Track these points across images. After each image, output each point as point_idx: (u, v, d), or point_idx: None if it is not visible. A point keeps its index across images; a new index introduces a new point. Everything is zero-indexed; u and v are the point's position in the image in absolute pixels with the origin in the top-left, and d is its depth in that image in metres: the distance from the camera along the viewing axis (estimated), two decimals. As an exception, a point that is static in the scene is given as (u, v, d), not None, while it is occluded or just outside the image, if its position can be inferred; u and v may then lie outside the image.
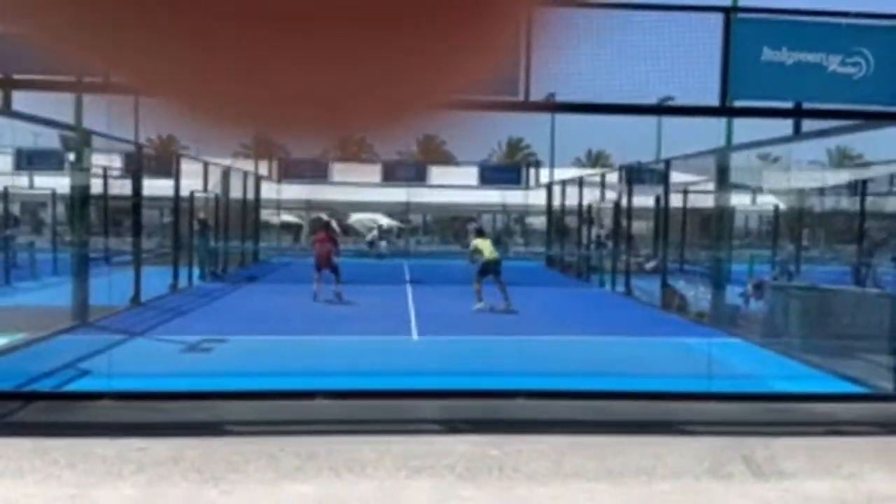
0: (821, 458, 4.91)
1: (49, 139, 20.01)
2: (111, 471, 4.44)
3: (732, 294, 11.32)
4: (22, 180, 18.80)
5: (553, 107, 7.53)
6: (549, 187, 22.75)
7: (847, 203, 15.07)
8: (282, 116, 0.37)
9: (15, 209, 22.33)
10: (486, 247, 11.60)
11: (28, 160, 18.95)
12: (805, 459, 4.87)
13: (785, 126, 7.85)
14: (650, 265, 16.00)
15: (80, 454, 4.66)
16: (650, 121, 23.95)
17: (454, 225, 34.24)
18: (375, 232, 26.85)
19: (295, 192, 25.41)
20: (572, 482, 4.42)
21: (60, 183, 17.05)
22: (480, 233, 12.98)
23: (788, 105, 6.64)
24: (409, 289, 14.79)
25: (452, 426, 5.38)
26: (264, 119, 0.37)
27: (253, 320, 10.31)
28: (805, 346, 8.05)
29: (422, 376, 6.75)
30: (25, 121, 8.29)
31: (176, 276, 13.73)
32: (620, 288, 15.05)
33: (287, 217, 30.66)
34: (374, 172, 26.91)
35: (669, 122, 18.74)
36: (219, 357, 7.95)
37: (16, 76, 6.01)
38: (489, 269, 11.40)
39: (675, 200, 13.96)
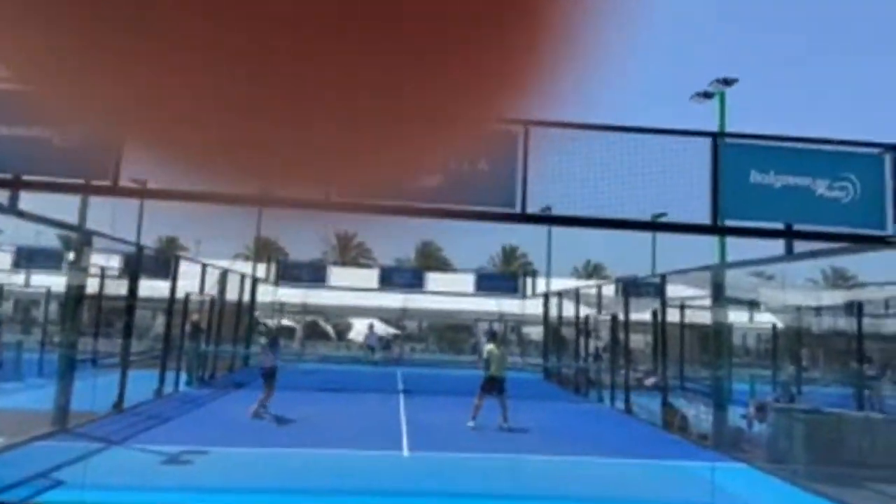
0: None
1: (50, 237, 20.28)
2: None
3: (734, 415, 11.01)
4: (19, 278, 18.83)
5: (549, 220, 7.67)
6: (545, 297, 22.79)
7: (845, 324, 15.04)
8: (278, 166, 0.38)
9: (8, 306, 22.21)
10: (496, 359, 10.98)
11: (28, 258, 19.08)
12: None
13: (777, 245, 7.98)
14: (649, 381, 15.70)
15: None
16: (645, 236, 24.43)
17: (449, 334, 34.00)
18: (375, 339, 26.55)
19: (290, 295, 25.40)
20: None
21: (57, 281, 17.07)
22: (494, 338, 12.11)
23: (779, 226, 6.78)
24: (401, 399, 14.41)
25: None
26: (259, 169, 0.38)
27: (236, 430, 9.94)
28: (811, 472, 7.71)
29: (412, 498, 6.40)
30: (30, 221, 8.40)
31: (162, 380, 13.39)
32: (619, 404, 14.67)
33: (282, 320, 30.42)
34: (371, 277, 27.10)
35: (664, 237, 19.09)
36: (199, 470, 7.58)
37: (25, 177, 6.14)
38: (492, 386, 10.94)
39: (673, 315, 13.92)
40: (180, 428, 9.24)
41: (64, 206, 9.95)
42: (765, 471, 8.47)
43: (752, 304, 19.06)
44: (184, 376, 14.84)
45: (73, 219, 10.38)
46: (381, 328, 32.43)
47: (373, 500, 6.18)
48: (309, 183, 0.39)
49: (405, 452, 9.10)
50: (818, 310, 16.71)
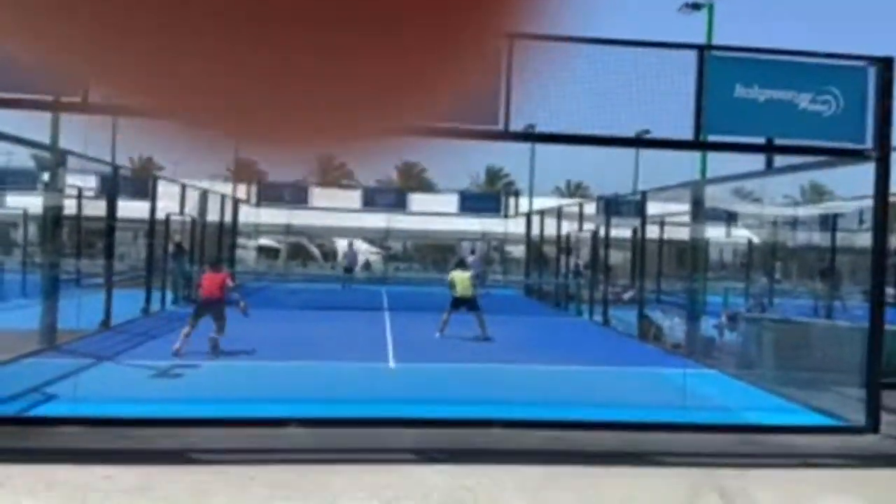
0: (793, 490, 4.93)
1: (22, 158, 19.75)
2: (75, 498, 4.29)
3: (707, 325, 11.43)
4: (-6, 200, 18.48)
5: (532, 137, 7.63)
6: (528, 216, 22.94)
7: (818, 238, 15.41)
8: (262, 131, 0.36)
9: (-15, 228, 21.90)
10: (459, 282, 11.61)
11: (0, 179, 18.66)
12: (777, 491, 4.89)
13: (758, 161, 8.05)
14: (627, 295, 16.12)
15: (44, 482, 4.51)
16: (628, 154, 24.37)
17: (433, 254, 34.27)
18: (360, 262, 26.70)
19: (274, 215, 25.27)
20: (547, 514, 4.37)
21: (33, 202, 16.78)
22: (461, 264, 12.87)
23: (760, 140, 6.82)
24: (387, 316, 14.70)
25: (427, 456, 5.31)
26: (244, 133, 0.37)
27: (224, 345, 10.14)
28: (778, 377, 8.12)
29: (397, 404, 6.67)
30: (1, 140, 8.18)
31: (148, 299, 13.49)
32: (598, 317, 15.12)
33: (265, 241, 30.42)
34: (354, 198, 26.95)
35: (646, 155, 19.07)
36: (189, 382, 7.79)
37: (-8, 94, 5.93)
38: (460, 304, 11.53)
39: (652, 232, 14.15)
40: (169, 344, 9.41)
41: (35, 128, 9.67)
42: (734, 376, 8.91)
43: (730, 219, 19.39)
44: (169, 295, 14.95)
45: (44, 140, 10.10)
46: (365, 248, 32.58)
47: (362, 408, 6.44)
48: (298, 134, 0.38)
49: (391, 364, 9.40)
50: (794, 224, 17.06)
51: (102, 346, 9.63)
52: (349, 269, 23.92)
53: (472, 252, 23.61)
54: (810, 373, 7.75)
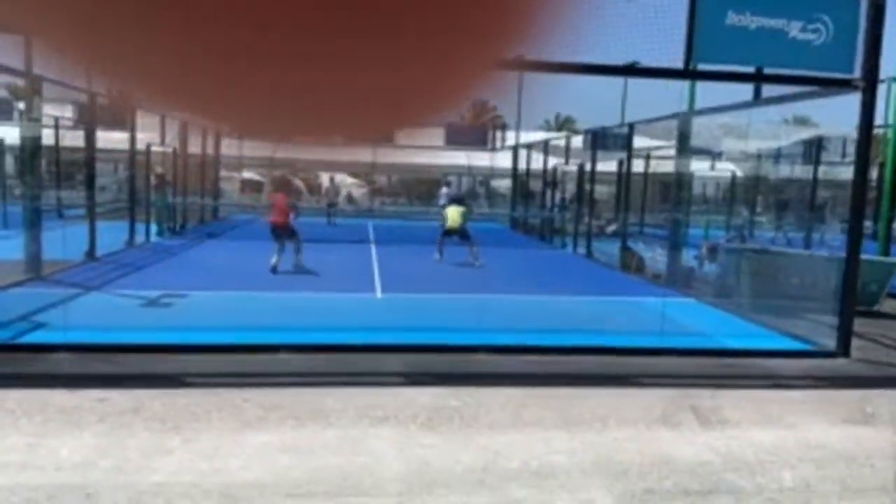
0: (764, 409, 5.18)
1: (-5, 87, 19.08)
2: (70, 420, 4.41)
3: (688, 257, 11.65)
4: (-33, 130, 17.95)
5: (521, 65, 7.47)
6: (514, 150, 22.80)
7: (800, 171, 15.53)
8: (262, 130, 0.37)
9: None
10: (451, 216, 12.51)
11: (-27, 109, 18.09)
12: (749, 410, 5.13)
13: (745, 92, 8.01)
14: (611, 228, 16.28)
15: (38, 404, 4.61)
16: (617, 87, 24.03)
17: (420, 187, 34.12)
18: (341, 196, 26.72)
19: (258, 148, 24.86)
20: (530, 430, 4.58)
21: (9, 133, 16.35)
22: (455, 201, 13.57)
23: (750, 70, 6.77)
24: (373, 249, 14.78)
25: (415, 379, 5.48)
26: (249, 131, 0.37)
27: (214, 276, 10.19)
28: (755, 305, 8.37)
29: (385, 332, 6.82)
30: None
31: (132, 231, 13.41)
32: (582, 250, 15.31)
33: (249, 174, 30.05)
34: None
35: (635, 90, 18.85)
36: (180, 311, 7.87)
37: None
38: (452, 234, 12.48)
39: (638, 166, 14.16)
40: (156, 274, 9.45)
41: (7, 54, 9.29)
42: (712, 304, 9.17)
43: (715, 154, 19.43)
44: (154, 227, 14.86)
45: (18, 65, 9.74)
46: (349, 182, 32.29)
47: (351, 335, 6.58)
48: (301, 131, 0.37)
49: (378, 294, 9.54)
50: (777, 157, 17.15)
51: (89, 276, 9.64)
52: (332, 205, 23.78)
53: (447, 184, 24.39)
54: (786, 301, 8.00)
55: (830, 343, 6.72)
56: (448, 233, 12.53)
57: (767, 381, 5.92)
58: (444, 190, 23.85)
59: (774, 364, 6.37)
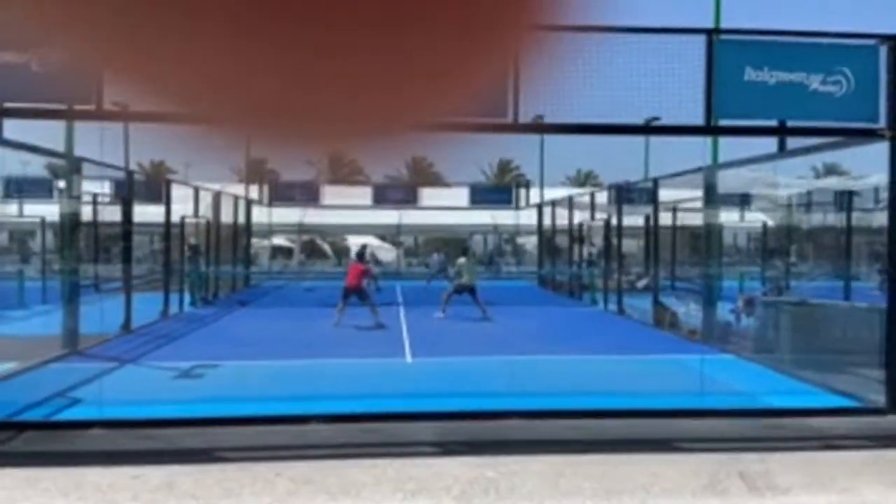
0: (815, 473, 4.93)
1: (37, 166, 19.99)
2: (105, 499, 4.39)
3: (723, 310, 11.39)
4: (11, 208, 18.72)
5: (542, 128, 7.64)
6: (539, 207, 22.91)
7: (834, 219, 15.27)
8: (274, 129, 0.37)
9: (3, 237, 22.20)
10: (466, 270, 12.89)
11: (17, 188, 18.90)
12: (800, 474, 4.89)
13: (770, 145, 7.99)
14: (641, 283, 16.07)
15: (73, 483, 4.61)
16: (638, 141, 24.18)
17: (446, 247, 34.39)
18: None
19: (286, 215, 25.41)
20: (569, 501, 4.41)
21: (50, 210, 17.00)
22: (465, 252, 14.10)
23: (773, 123, 6.77)
24: (401, 311, 14.77)
25: (447, 448, 5.36)
26: (257, 131, 0.37)
27: (245, 345, 10.26)
28: (797, 360, 8.09)
29: (416, 398, 6.73)
30: (17, 149, 8.30)
31: (167, 302, 13.66)
32: (612, 306, 15.09)
33: (278, 240, 30.62)
34: (364, 195, 27.00)
35: (656, 142, 18.95)
36: (211, 383, 7.90)
37: (6, 104, 6.03)
38: (463, 290, 12.75)
39: (665, 218, 14.09)
40: (189, 345, 9.55)
41: (47, 136, 9.78)
42: (752, 360, 8.88)
43: (744, 203, 19.23)
44: (187, 297, 15.12)
45: (58, 147, 10.23)
46: (376, 244, 32.57)
47: (381, 403, 6.51)
48: (311, 132, 0.37)
49: (408, 359, 9.47)
50: (808, 206, 16.90)
51: (124, 349, 9.78)
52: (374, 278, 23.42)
53: (437, 251, 25.27)
54: (829, 355, 7.72)
55: (879, 398, 6.43)
56: (461, 288, 12.58)
57: (816, 441, 5.65)
58: (436, 257, 23.98)
59: (822, 423, 6.10)
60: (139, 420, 5.92)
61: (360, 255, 13.68)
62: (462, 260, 13.36)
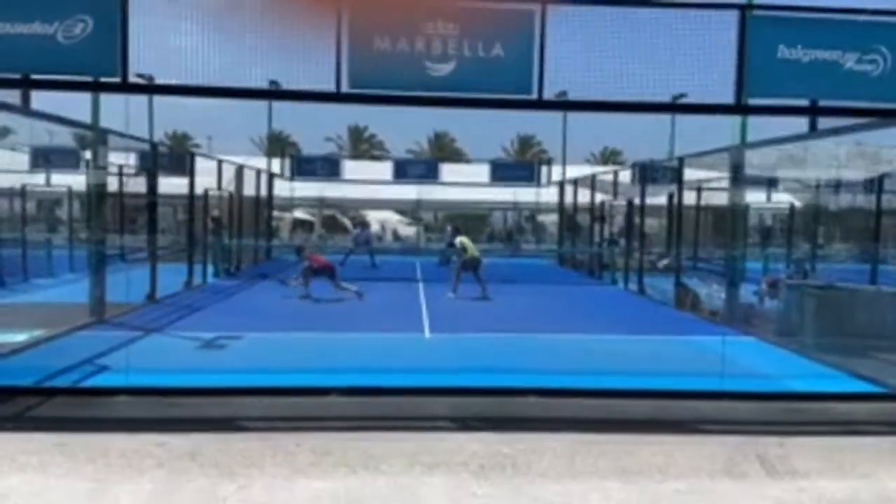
0: (835, 458, 4.89)
1: (63, 137, 20.21)
2: (131, 465, 4.51)
3: (747, 292, 11.26)
4: (38, 178, 19.00)
5: (567, 105, 7.52)
6: (561, 185, 22.70)
7: (863, 200, 14.94)
8: None
9: (31, 206, 22.54)
10: (469, 246, 13.02)
11: (45, 158, 19.16)
12: (819, 459, 4.86)
13: (800, 125, 7.80)
14: (662, 263, 15.92)
15: (100, 449, 4.74)
16: (663, 119, 23.76)
17: (466, 223, 34.35)
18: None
19: (307, 189, 25.51)
20: (585, 480, 4.44)
21: (76, 180, 17.23)
22: (457, 231, 14.78)
23: (804, 103, 6.60)
24: (421, 287, 14.83)
25: (465, 423, 5.41)
26: None
27: (267, 317, 10.40)
28: (820, 344, 8.00)
29: (434, 374, 6.78)
30: (44, 120, 8.41)
31: (191, 273, 13.86)
32: (633, 286, 15.00)
33: (299, 214, 30.80)
34: (385, 170, 26.96)
35: (683, 120, 18.62)
36: (235, 353, 8.03)
37: (33, 76, 6.08)
38: (470, 266, 12.86)
39: (689, 198, 13.89)
40: (213, 316, 9.70)
41: (74, 106, 9.88)
42: (774, 343, 8.80)
43: (771, 184, 18.88)
44: (210, 269, 15.32)
45: (84, 118, 10.34)
46: (396, 219, 32.59)
47: (400, 377, 6.57)
48: None
49: (427, 334, 9.53)
50: (837, 187, 16.54)
51: (150, 318, 9.96)
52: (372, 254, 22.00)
53: (457, 229, 24.35)
54: (854, 339, 7.62)
55: (904, 385, 6.35)
56: (468, 263, 12.69)
57: (837, 426, 5.60)
58: (449, 229, 22.20)
59: (844, 408, 6.04)
60: (164, 388, 6.05)
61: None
62: (460, 238, 13.63)
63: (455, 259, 13.52)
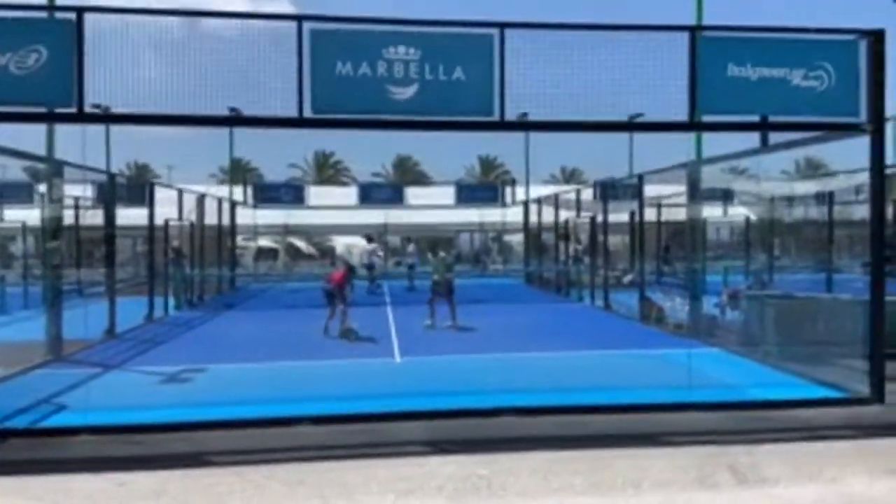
0: (803, 464, 4.99)
1: (15, 170, 19.68)
2: (93, 507, 4.34)
3: (708, 304, 11.49)
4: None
5: (528, 126, 7.65)
6: (525, 205, 22.96)
7: (816, 213, 15.46)
8: None
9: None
10: (436, 267, 12.47)
11: (-3, 193, 18.62)
12: (788, 466, 4.95)
13: (753, 139, 8.07)
14: (627, 278, 16.17)
15: (62, 490, 4.55)
16: (622, 137, 24.35)
17: (433, 246, 34.37)
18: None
19: (271, 216, 25.25)
20: (560, 497, 4.43)
21: (30, 215, 16.75)
22: (435, 253, 14.12)
23: (755, 118, 6.84)
24: (389, 311, 14.74)
25: (439, 447, 5.36)
26: None
27: (232, 348, 10.17)
28: (782, 353, 8.18)
29: (407, 398, 6.72)
30: (-4, 153, 8.17)
31: (151, 306, 13.52)
32: (599, 302, 15.17)
33: (264, 242, 30.41)
34: (350, 195, 26.89)
35: (641, 137, 19.10)
36: (199, 386, 7.83)
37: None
38: (439, 288, 12.11)
39: (650, 214, 14.19)
40: (175, 349, 9.46)
41: (26, 139, 9.64)
42: (738, 353, 8.97)
43: (727, 198, 19.43)
44: (171, 301, 14.97)
45: (38, 150, 10.10)
46: (364, 247, 32.33)
47: (371, 403, 6.49)
48: None
49: (397, 359, 9.45)
50: (790, 200, 17.10)
51: (109, 354, 9.66)
52: (370, 268, 21.58)
53: (408, 240, 24.36)
54: (814, 347, 7.81)
55: (864, 389, 6.52)
56: (436, 287, 11.95)
57: (803, 432, 5.72)
58: (411, 248, 22.23)
59: (808, 414, 6.17)
60: (126, 426, 5.85)
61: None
62: (433, 258, 13.37)
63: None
